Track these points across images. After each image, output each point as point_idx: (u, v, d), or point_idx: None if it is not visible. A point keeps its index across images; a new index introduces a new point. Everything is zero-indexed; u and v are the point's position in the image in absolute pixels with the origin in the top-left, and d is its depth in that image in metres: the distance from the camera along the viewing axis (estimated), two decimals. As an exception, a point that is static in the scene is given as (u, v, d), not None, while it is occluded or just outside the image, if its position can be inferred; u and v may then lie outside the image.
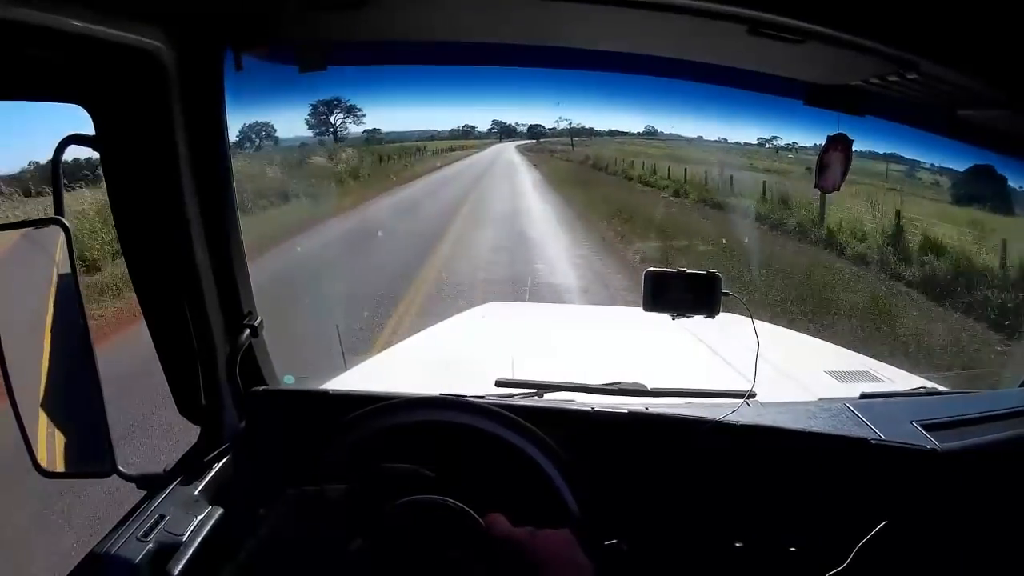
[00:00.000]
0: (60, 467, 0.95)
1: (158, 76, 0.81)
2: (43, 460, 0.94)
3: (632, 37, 0.88)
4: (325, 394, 1.01)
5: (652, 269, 0.97)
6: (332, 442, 0.76)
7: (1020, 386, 1.25)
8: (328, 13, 0.72)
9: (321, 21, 0.79)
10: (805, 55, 0.87)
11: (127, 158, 0.86)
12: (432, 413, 0.78)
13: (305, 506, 0.67)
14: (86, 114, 0.88)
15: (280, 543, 0.64)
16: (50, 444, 0.96)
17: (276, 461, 0.84)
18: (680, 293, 0.95)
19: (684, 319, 0.98)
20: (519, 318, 2.14)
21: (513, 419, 0.76)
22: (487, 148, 14.85)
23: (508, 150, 14.90)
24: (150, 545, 0.77)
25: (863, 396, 1.14)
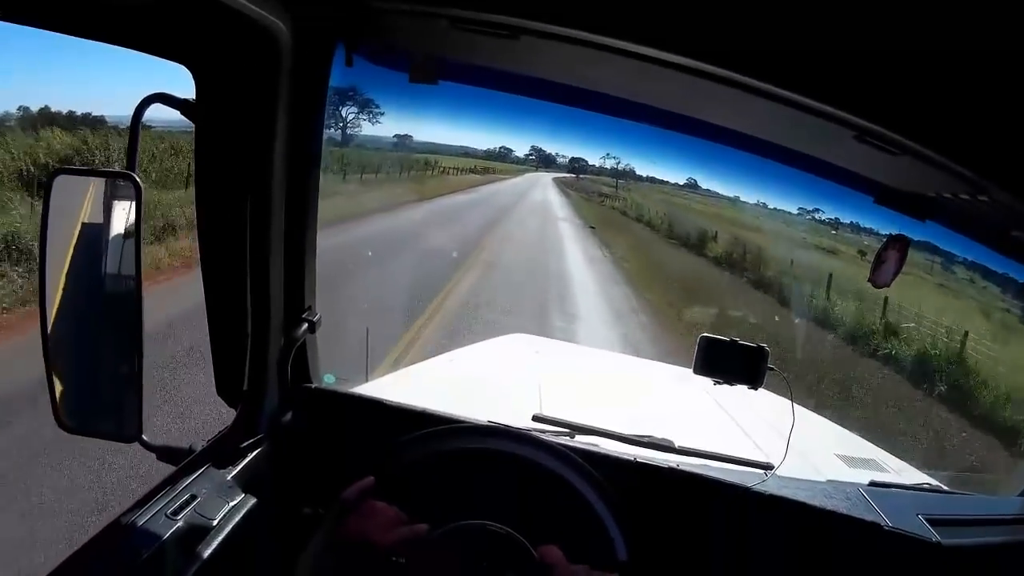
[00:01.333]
0: (82, 423, 0.93)
1: (269, 53, 0.81)
2: (65, 414, 0.92)
3: (738, 116, 0.91)
4: (376, 402, 1.00)
5: (707, 335, 1.00)
6: (392, 456, 0.75)
7: (1019, 495, 1.29)
8: (471, 35, 0.73)
9: (447, 37, 0.80)
10: (895, 163, 0.91)
11: (222, 128, 0.85)
12: (501, 444, 0.78)
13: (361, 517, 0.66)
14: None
15: (333, 550, 0.63)
16: (78, 399, 0.94)
17: (320, 461, 0.83)
18: (730, 361, 0.98)
19: (725, 386, 1.00)
20: (548, 353, 2.14)
21: (575, 458, 0.77)
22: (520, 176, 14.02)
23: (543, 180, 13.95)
24: (180, 523, 0.75)
25: (872, 484, 1.17)
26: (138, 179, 0.90)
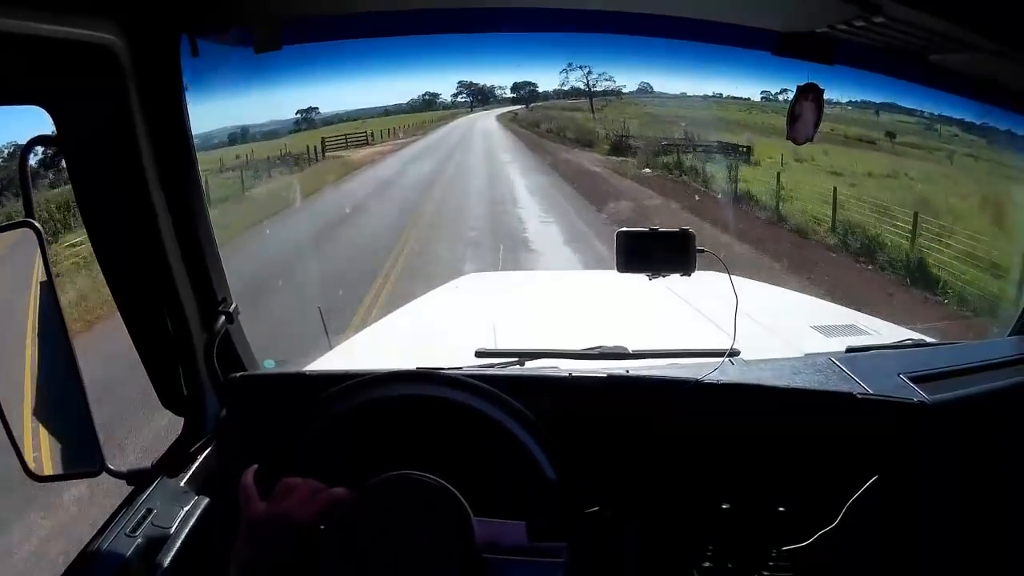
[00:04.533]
0: (50, 470, 0.96)
1: (115, 70, 0.80)
2: (32, 465, 0.94)
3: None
4: (303, 376, 1.01)
5: (624, 229, 0.96)
6: (306, 422, 0.75)
7: (1009, 335, 1.24)
8: None
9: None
10: (771, 3, 0.86)
11: (91, 156, 0.85)
12: (405, 387, 0.77)
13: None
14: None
15: (251, 540, 0.63)
16: (38, 448, 0.96)
17: (259, 447, 0.84)
18: (654, 252, 0.95)
19: (661, 278, 0.98)
20: (497, 287, 2.12)
21: (481, 387, 0.74)
22: (451, 122, 11.73)
23: (483, 123, 11.66)
24: (139, 540, 0.77)
25: (849, 350, 1.12)
26: (37, 225, 0.90)
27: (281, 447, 0.73)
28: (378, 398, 0.75)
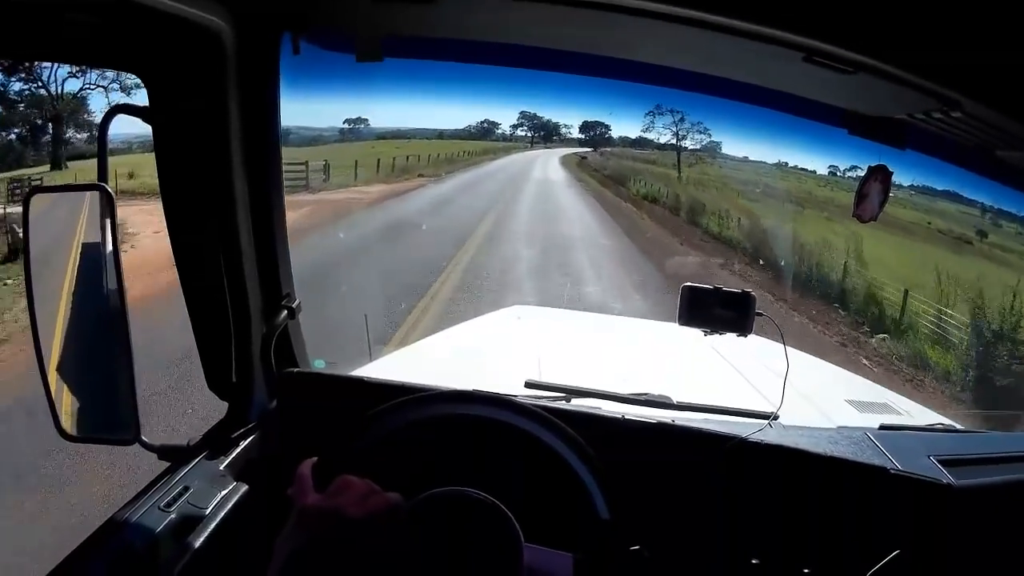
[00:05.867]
0: (82, 431, 0.96)
1: (216, 53, 0.82)
2: (65, 423, 0.95)
3: (687, 53, 0.89)
4: (360, 381, 1.01)
5: (689, 284, 0.98)
6: (364, 431, 0.75)
7: None
8: (394, 6, 0.73)
9: (384, 13, 0.80)
10: (854, 86, 0.88)
11: (179, 132, 0.86)
12: (469, 407, 0.78)
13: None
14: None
15: (305, 527, 0.63)
16: (74, 407, 0.96)
17: (305, 444, 0.84)
18: (715, 309, 0.96)
19: (715, 336, 0.99)
20: (547, 322, 2.14)
21: (550, 419, 0.76)
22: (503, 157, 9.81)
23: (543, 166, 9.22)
24: (172, 515, 0.77)
25: (882, 427, 1.15)
26: (109, 189, 0.92)
27: (342, 445, 0.73)
28: (450, 414, 0.76)
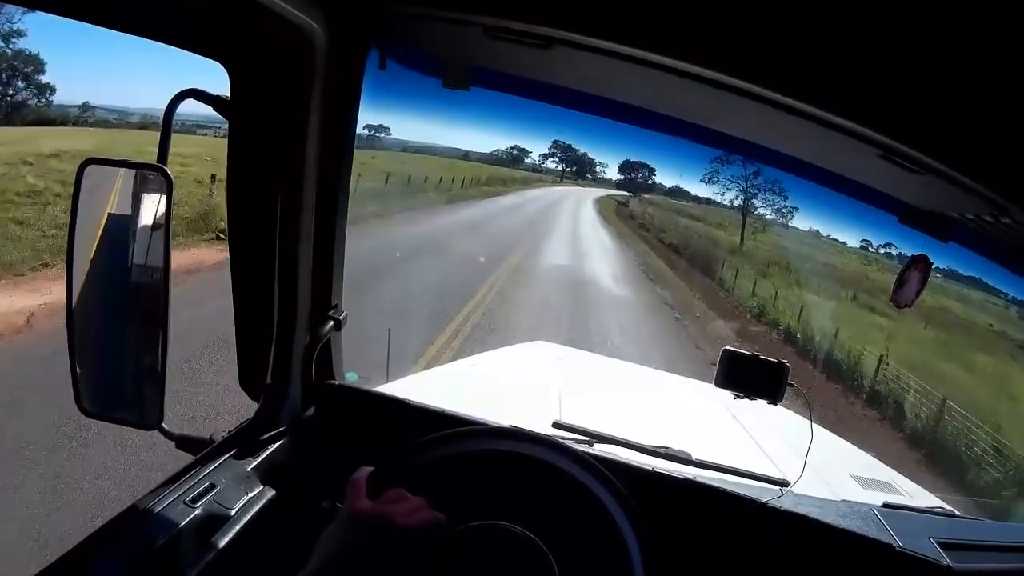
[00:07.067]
0: (104, 409, 0.94)
1: (305, 55, 0.82)
2: (86, 399, 0.93)
3: (769, 130, 0.91)
4: (403, 403, 1.01)
5: (729, 348, 0.99)
6: (422, 451, 0.76)
7: None
8: (506, 44, 0.74)
9: (487, 46, 0.81)
10: (918, 183, 0.91)
11: (256, 125, 0.86)
12: (536, 450, 0.78)
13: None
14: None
15: (357, 527, 0.64)
16: (100, 385, 0.95)
17: (340, 457, 0.84)
18: (751, 375, 0.98)
19: (744, 400, 1.00)
20: (570, 361, 2.14)
21: (609, 478, 0.77)
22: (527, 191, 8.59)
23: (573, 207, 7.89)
24: (197, 511, 0.76)
25: (886, 505, 1.17)
26: (169, 172, 0.92)
27: (400, 461, 0.74)
28: (499, 451, 0.76)
